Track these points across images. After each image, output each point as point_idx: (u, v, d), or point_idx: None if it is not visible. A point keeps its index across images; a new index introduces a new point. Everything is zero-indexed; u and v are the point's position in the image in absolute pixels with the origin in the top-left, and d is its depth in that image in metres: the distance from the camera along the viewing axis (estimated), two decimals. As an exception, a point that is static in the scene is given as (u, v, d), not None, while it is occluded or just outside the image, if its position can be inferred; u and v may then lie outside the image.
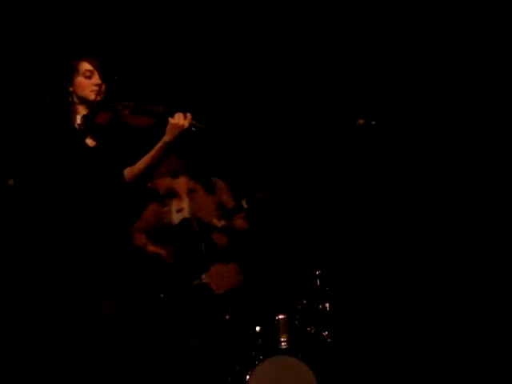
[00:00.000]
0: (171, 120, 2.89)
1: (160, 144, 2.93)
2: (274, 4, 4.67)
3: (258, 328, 4.07)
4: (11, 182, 2.90)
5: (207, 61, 4.74)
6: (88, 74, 2.91)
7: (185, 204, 4.05)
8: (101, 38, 4.16)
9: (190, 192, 4.06)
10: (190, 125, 2.90)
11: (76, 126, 2.90)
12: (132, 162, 2.98)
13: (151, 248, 4.01)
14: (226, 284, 4.00)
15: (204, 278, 3.96)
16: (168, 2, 4.61)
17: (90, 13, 4.31)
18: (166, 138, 2.92)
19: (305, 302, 4.18)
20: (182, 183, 4.09)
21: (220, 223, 3.96)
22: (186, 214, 4.01)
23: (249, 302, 4.33)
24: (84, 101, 2.93)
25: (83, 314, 2.80)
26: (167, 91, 4.30)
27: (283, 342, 4.01)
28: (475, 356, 4.14)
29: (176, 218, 4.03)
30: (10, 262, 3.58)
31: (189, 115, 2.91)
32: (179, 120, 2.89)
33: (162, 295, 4.05)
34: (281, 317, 4.05)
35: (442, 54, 4.70)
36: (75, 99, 2.94)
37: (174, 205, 4.05)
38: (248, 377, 3.79)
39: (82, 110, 2.93)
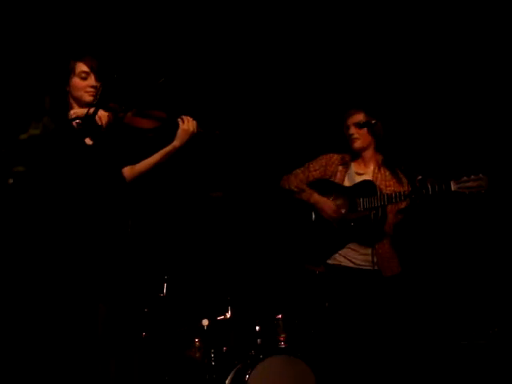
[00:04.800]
0: (182, 126, 2.95)
1: (169, 148, 2.99)
2: (275, 4, 4.68)
3: (257, 328, 4.08)
4: (11, 181, 2.89)
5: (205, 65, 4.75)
6: (83, 75, 2.92)
7: (369, 170, 3.95)
8: (102, 40, 4.17)
9: (378, 165, 3.96)
10: (198, 131, 2.96)
11: (74, 124, 2.91)
12: (128, 163, 3.00)
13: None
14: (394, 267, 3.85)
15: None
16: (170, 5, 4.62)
17: (93, 14, 4.31)
18: (176, 143, 2.98)
19: (305, 301, 4.19)
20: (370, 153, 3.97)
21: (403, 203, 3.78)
22: (367, 178, 3.91)
23: (249, 301, 4.34)
24: (79, 101, 2.94)
25: (80, 316, 2.79)
26: (169, 97, 4.31)
27: (283, 341, 4.01)
28: (473, 353, 4.15)
29: (352, 179, 3.92)
30: (4, 263, 3.57)
31: (195, 122, 2.98)
32: (189, 126, 2.93)
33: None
34: (280, 316, 4.06)
35: (442, 54, 4.71)
36: (71, 99, 2.96)
37: (354, 167, 3.97)
38: (248, 376, 3.79)
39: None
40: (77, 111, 2.88)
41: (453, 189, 3.58)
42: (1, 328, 3.36)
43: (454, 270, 4.65)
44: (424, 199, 3.61)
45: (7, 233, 3.38)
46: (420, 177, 3.65)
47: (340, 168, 3.98)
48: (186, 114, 3.02)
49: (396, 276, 3.84)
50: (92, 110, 2.80)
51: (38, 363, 2.89)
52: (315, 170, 4.02)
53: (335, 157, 4.04)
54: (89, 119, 2.81)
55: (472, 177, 3.55)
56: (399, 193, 3.67)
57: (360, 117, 3.85)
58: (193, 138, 2.99)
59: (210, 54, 4.69)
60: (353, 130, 3.86)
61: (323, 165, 4.02)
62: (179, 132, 2.96)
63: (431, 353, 4.30)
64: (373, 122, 3.74)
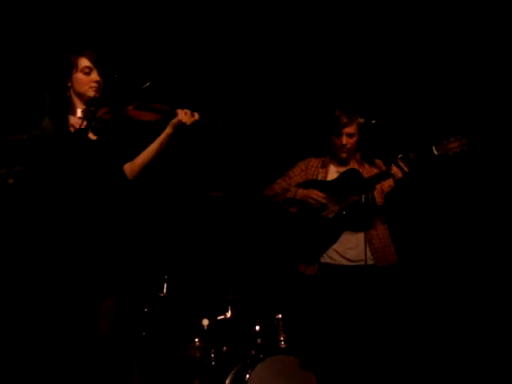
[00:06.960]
0: (178, 114, 2.95)
1: (163, 135, 3.00)
2: (275, 4, 4.68)
3: (257, 328, 4.08)
4: (11, 181, 2.90)
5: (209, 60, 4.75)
6: (87, 70, 2.92)
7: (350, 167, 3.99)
8: (101, 34, 4.16)
9: (358, 162, 4.01)
10: (195, 123, 2.95)
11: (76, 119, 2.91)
12: (131, 158, 3.00)
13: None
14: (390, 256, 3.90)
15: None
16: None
17: (91, 8, 4.30)
18: (168, 130, 2.99)
19: (305, 301, 4.18)
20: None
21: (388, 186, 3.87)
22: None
23: (249, 301, 4.34)
24: (82, 96, 2.94)
25: (82, 309, 2.79)
26: (173, 91, 4.31)
27: (283, 341, 4.01)
28: (473, 353, 4.15)
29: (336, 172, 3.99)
30: (12, 255, 3.58)
31: (196, 114, 2.98)
32: (186, 118, 2.93)
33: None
34: (280, 316, 4.05)
35: (441, 55, 4.72)
36: (73, 94, 2.95)
37: (334, 167, 4.03)
38: (248, 376, 3.79)
39: (79, 105, 2.95)
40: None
41: (436, 153, 3.65)
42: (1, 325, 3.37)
43: (453, 266, 4.65)
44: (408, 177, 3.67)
45: (9, 231, 3.38)
46: (401, 155, 3.71)
47: (320, 170, 4.03)
48: (190, 107, 3.03)
49: (392, 269, 3.86)
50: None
51: (37, 361, 2.89)
52: (296, 176, 4.09)
53: (313, 160, 4.12)
54: (92, 114, 2.81)
55: (451, 139, 3.64)
56: (384, 171, 3.74)
57: (353, 129, 3.88)
58: (185, 128, 2.99)
59: (214, 52, 4.70)
60: (345, 141, 3.89)
61: (303, 169, 4.10)
62: (173, 119, 2.97)
63: (431, 352, 4.30)
64: (373, 122, 3.77)
